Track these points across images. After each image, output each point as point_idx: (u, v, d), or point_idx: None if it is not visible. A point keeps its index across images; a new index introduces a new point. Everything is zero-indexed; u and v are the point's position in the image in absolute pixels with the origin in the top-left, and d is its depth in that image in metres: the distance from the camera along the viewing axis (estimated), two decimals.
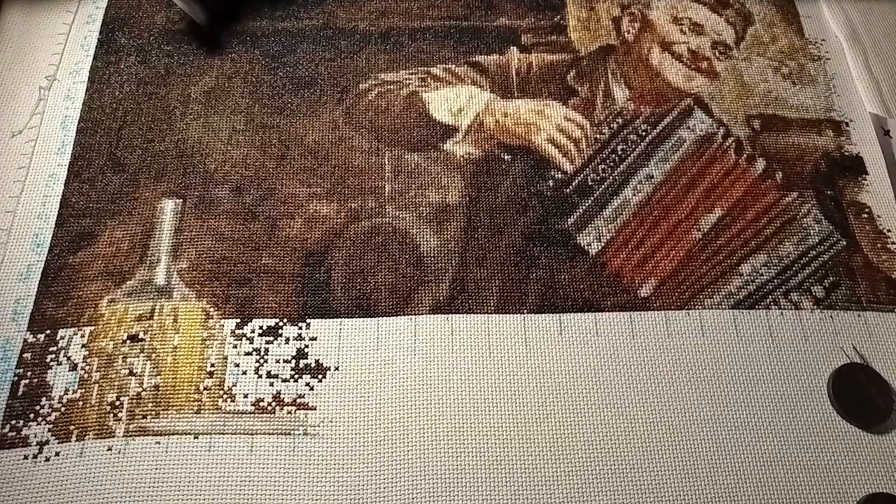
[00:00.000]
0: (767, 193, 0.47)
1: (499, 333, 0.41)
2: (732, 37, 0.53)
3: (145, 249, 0.44)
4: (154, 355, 0.40)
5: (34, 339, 0.41)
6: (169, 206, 0.45)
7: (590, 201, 0.46)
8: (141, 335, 0.41)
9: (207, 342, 0.41)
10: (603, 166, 0.47)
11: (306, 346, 0.41)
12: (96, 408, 0.39)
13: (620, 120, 0.49)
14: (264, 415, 0.39)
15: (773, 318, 0.42)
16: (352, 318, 0.42)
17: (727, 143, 0.48)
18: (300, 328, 0.41)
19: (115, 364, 0.40)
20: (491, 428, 0.39)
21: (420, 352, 0.41)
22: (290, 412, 0.39)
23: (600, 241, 0.45)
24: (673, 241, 0.45)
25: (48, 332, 0.41)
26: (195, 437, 0.38)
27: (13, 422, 0.38)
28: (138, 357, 0.40)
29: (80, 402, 0.39)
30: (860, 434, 0.39)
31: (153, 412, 0.39)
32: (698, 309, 0.43)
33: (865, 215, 0.46)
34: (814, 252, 0.45)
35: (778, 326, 0.42)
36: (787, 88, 0.51)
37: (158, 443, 0.38)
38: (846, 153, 0.48)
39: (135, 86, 0.50)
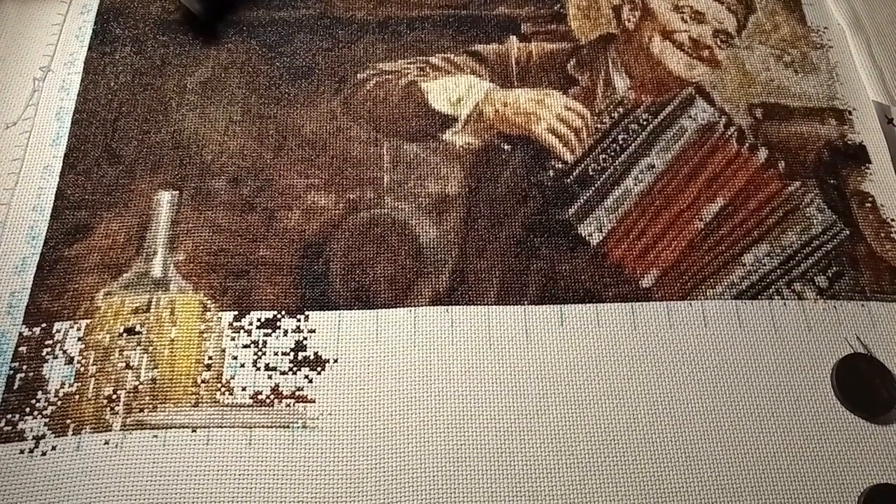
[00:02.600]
0: (770, 183, 0.46)
1: (499, 325, 0.41)
2: (734, 25, 0.53)
3: (141, 241, 0.43)
4: (151, 348, 0.40)
5: (30, 333, 0.40)
6: (165, 198, 0.45)
7: (591, 191, 0.46)
8: (138, 328, 0.40)
9: (205, 335, 0.40)
10: (604, 156, 0.47)
11: (305, 339, 0.41)
12: (93, 401, 0.38)
13: (621, 109, 0.49)
14: (263, 408, 0.39)
15: (776, 308, 0.42)
16: (351, 309, 0.41)
17: (729, 132, 0.48)
18: (299, 320, 0.41)
19: (111, 357, 0.40)
20: (491, 420, 0.38)
21: (420, 344, 0.40)
22: (288, 405, 0.39)
23: (601, 232, 0.44)
24: (675, 231, 0.44)
25: (44, 325, 0.40)
26: (193, 431, 0.38)
27: (9, 416, 0.38)
28: (135, 350, 0.40)
29: (77, 396, 0.39)
30: (864, 425, 0.39)
31: (150, 405, 0.38)
32: (701, 299, 0.42)
33: (869, 204, 0.46)
34: (817, 242, 0.44)
35: (781, 317, 0.42)
36: (790, 77, 0.50)
37: (156, 436, 0.38)
38: (849, 142, 0.48)
39: (130, 77, 0.49)
